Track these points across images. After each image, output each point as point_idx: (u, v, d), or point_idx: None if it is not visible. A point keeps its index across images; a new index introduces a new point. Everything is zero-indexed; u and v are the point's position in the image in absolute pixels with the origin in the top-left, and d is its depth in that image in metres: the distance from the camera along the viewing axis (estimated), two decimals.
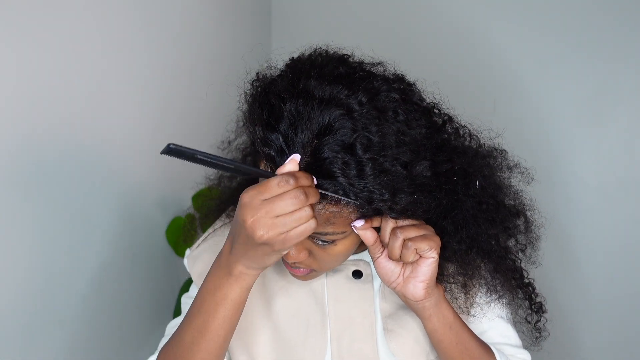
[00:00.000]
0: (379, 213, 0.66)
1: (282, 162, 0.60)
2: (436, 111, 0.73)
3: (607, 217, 1.40)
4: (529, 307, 0.84)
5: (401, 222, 0.69)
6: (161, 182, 1.29)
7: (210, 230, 0.89)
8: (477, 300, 0.82)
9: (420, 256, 0.69)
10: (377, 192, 0.61)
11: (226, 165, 0.57)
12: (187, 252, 0.89)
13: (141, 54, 1.18)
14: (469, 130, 0.77)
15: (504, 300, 0.84)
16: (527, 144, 1.44)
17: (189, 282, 1.30)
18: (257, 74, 0.72)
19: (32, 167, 0.96)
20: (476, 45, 1.47)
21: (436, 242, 0.69)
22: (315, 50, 0.71)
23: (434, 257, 0.69)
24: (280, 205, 0.56)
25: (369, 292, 0.81)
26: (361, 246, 0.82)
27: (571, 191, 1.43)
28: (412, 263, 0.70)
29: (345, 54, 0.71)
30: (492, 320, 0.82)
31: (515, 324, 0.85)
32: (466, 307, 0.81)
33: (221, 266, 0.65)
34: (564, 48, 1.38)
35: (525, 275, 0.83)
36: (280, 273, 0.84)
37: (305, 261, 0.71)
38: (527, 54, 1.42)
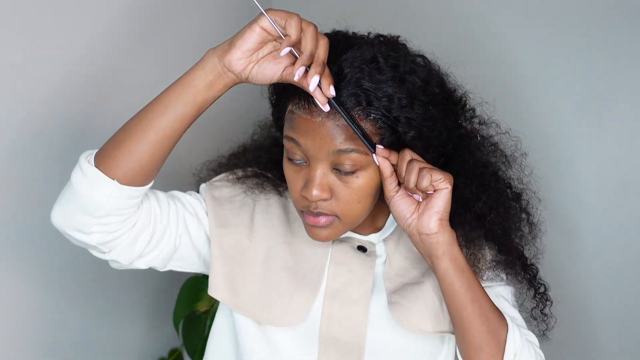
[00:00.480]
0: (396, 142, 0.72)
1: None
2: (436, 66, 0.82)
3: (608, 217, 1.40)
4: (533, 295, 0.86)
5: (417, 157, 0.74)
6: (161, 182, 1.29)
7: (233, 174, 0.91)
8: (484, 283, 0.83)
9: (434, 189, 0.73)
10: (397, 97, 0.69)
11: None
12: (203, 185, 0.90)
13: (141, 54, 1.18)
14: (465, 91, 0.85)
15: (510, 289, 0.86)
16: (527, 144, 1.43)
17: (188, 282, 1.29)
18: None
19: (31, 166, 0.96)
20: (476, 45, 1.47)
21: (449, 176, 0.73)
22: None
23: (447, 188, 0.72)
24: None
25: (371, 262, 0.84)
26: (369, 228, 0.86)
27: (571, 191, 1.43)
28: (426, 197, 0.74)
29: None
30: (498, 300, 0.83)
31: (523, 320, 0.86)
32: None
33: (203, 66, 0.72)
34: (565, 48, 1.38)
35: (529, 260, 0.86)
36: (289, 231, 0.86)
37: (327, 204, 0.74)
38: (527, 54, 1.42)
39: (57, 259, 1.03)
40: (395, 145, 0.73)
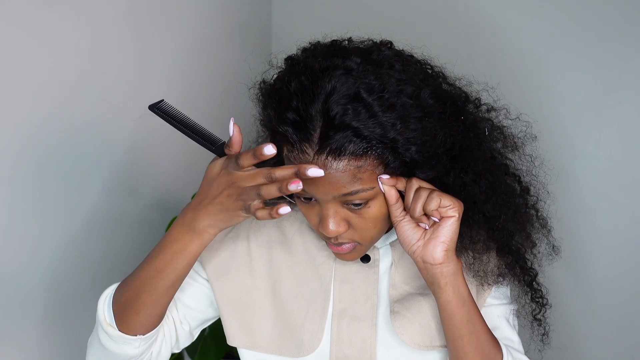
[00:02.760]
0: (402, 165, 0.70)
1: (300, 137, 0.66)
2: (428, 67, 0.77)
3: (608, 217, 1.40)
4: (530, 299, 0.84)
5: (425, 185, 0.72)
6: (161, 182, 1.29)
7: None
8: (488, 299, 0.82)
9: (442, 217, 0.71)
10: (389, 124, 0.66)
11: (193, 136, 0.67)
12: None
13: (141, 54, 1.18)
14: (467, 82, 0.81)
15: (512, 307, 0.84)
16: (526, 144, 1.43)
17: None
18: (262, 75, 0.77)
19: (31, 166, 0.96)
20: (477, 45, 1.47)
21: (459, 203, 0.71)
22: (309, 43, 0.77)
23: (455, 216, 0.70)
24: (244, 176, 0.65)
25: (375, 275, 0.82)
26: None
27: (571, 191, 1.43)
28: (433, 225, 0.72)
29: (333, 39, 0.76)
30: (500, 321, 0.82)
31: (519, 327, 0.85)
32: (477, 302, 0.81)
33: (185, 220, 0.71)
34: (565, 48, 1.38)
35: (530, 263, 0.84)
36: (288, 253, 0.85)
37: (346, 234, 0.73)
38: (527, 54, 1.42)
39: (57, 259, 1.03)
40: (402, 168, 0.70)
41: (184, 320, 0.85)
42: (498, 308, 0.83)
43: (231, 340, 0.84)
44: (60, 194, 1.02)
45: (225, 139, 0.84)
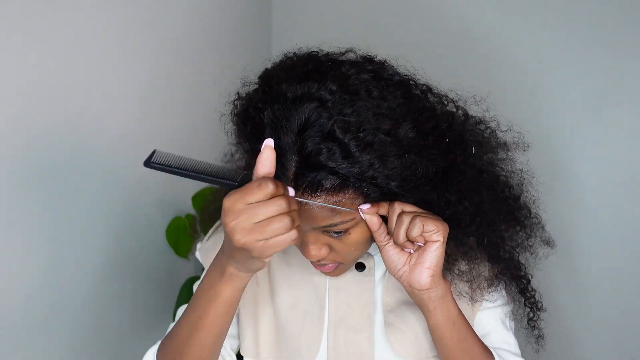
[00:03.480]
0: (382, 194, 0.67)
1: (276, 173, 0.61)
2: (412, 82, 0.72)
3: (608, 217, 1.40)
4: (523, 303, 0.83)
5: (408, 208, 0.69)
6: (161, 182, 1.29)
7: (219, 221, 0.90)
8: (483, 304, 0.81)
9: (426, 241, 0.69)
10: (367, 164, 0.62)
11: (206, 178, 0.60)
12: (199, 245, 0.90)
13: (141, 54, 1.18)
14: (452, 99, 0.77)
15: (507, 309, 0.84)
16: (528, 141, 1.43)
17: (189, 282, 1.29)
18: (237, 93, 0.74)
19: (30, 167, 0.96)
20: (477, 45, 1.47)
21: (444, 226, 0.68)
22: (285, 55, 0.73)
23: (439, 240, 0.68)
24: (262, 210, 0.57)
25: (370, 284, 0.81)
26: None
27: (572, 191, 1.43)
28: (418, 249, 0.70)
29: (313, 51, 0.73)
30: (496, 324, 0.82)
31: (515, 330, 0.85)
32: (471, 311, 0.81)
33: (216, 265, 0.66)
34: (565, 48, 1.38)
35: (523, 270, 0.82)
36: (283, 261, 0.84)
37: (328, 257, 0.72)
38: (528, 54, 1.42)
39: (57, 260, 1.03)
40: (383, 196, 0.68)
41: (230, 352, 0.83)
42: (494, 311, 0.82)
43: (245, 351, 0.83)
44: (59, 195, 1.02)
45: (226, 139, 0.83)
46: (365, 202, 0.67)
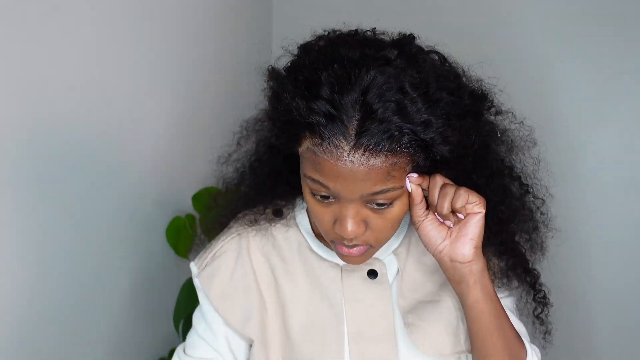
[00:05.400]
0: (431, 164, 0.67)
1: (334, 129, 0.62)
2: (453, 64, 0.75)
3: (608, 217, 1.40)
4: (532, 298, 0.83)
5: (449, 182, 0.70)
6: (161, 182, 1.29)
7: (218, 244, 0.84)
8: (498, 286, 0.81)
9: (467, 214, 0.69)
10: (432, 120, 0.63)
11: None
12: (194, 269, 0.84)
13: (141, 53, 1.18)
14: (480, 79, 0.79)
15: (514, 299, 0.83)
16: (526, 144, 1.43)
17: (188, 282, 1.29)
18: (270, 66, 0.73)
19: (29, 166, 0.96)
20: (476, 45, 1.47)
21: (483, 200, 0.69)
22: (323, 30, 0.73)
23: (481, 212, 0.69)
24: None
25: (386, 291, 0.79)
26: None
27: (571, 191, 1.43)
28: (457, 223, 0.70)
29: (355, 29, 0.73)
30: (508, 313, 0.80)
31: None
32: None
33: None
34: (565, 48, 1.38)
35: (531, 264, 0.83)
36: (291, 282, 0.81)
37: (362, 236, 0.70)
38: (527, 54, 1.42)
39: (57, 260, 1.03)
40: (429, 167, 0.68)
41: None
42: (504, 301, 0.81)
43: None
44: (59, 194, 1.02)
45: (226, 139, 0.82)
46: (413, 172, 0.67)
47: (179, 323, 1.27)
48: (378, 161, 0.63)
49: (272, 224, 0.83)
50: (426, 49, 0.70)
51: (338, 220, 0.69)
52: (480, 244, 0.70)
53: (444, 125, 0.64)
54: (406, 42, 0.69)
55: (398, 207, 0.69)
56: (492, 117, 0.78)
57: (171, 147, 1.30)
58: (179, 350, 0.85)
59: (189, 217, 1.32)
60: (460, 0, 1.48)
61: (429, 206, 0.72)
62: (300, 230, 0.83)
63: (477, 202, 0.68)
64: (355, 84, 0.61)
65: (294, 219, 0.84)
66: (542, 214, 0.83)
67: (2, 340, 0.94)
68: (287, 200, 0.86)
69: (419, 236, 0.72)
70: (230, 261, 0.82)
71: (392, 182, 0.65)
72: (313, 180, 0.67)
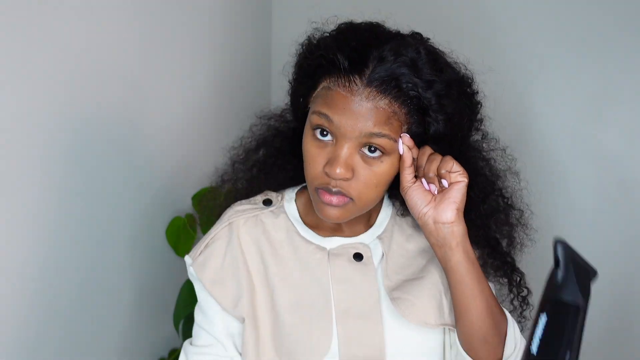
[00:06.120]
0: (423, 134, 0.76)
1: (353, 67, 0.73)
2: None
3: (607, 217, 1.40)
4: (514, 296, 0.89)
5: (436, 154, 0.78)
6: (161, 181, 1.29)
7: (211, 234, 0.88)
8: None
9: (450, 182, 0.75)
10: (436, 83, 0.73)
11: None
12: (189, 260, 0.88)
13: (142, 54, 1.18)
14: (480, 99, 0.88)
15: (493, 285, 0.88)
16: (527, 144, 1.43)
17: (188, 282, 1.29)
18: (307, 36, 0.83)
19: (29, 166, 0.96)
20: (476, 46, 1.47)
21: (466, 172, 0.76)
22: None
23: (464, 181, 0.75)
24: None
25: (372, 272, 0.84)
26: (362, 228, 0.87)
27: (571, 191, 1.43)
28: (441, 191, 0.77)
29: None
30: None
31: None
32: None
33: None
34: (565, 48, 1.38)
35: (513, 261, 0.89)
36: (279, 265, 0.84)
37: (347, 183, 0.75)
38: (527, 54, 1.42)
39: (57, 260, 1.03)
40: (419, 139, 0.76)
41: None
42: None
43: (246, 356, 0.83)
44: (59, 195, 1.02)
45: (236, 131, 0.94)
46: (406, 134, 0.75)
47: (179, 323, 1.28)
48: (382, 103, 0.72)
49: (262, 212, 0.88)
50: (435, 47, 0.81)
51: (329, 161, 0.75)
52: (462, 209, 0.76)
53: (443, 91, 0.73)
54: (423, 36, 0.81)
55: (386, 165, 0.76)
56: (479, 139, 0.87)
57: (171, 147, 1.31)
58: (185, 344, 0.89)
59: (189, 217, 1.32)
60: (460, 1, 1.48)
61: (417, 176, 0.79)
62: (288, 217, 0.88)
63: (460, 172, 0.75)
64: (380, 45, 0.73)
65: (283, 207, 0.89)
66: (518, 219, 0.89)
67: (2, 340, 0.94)
68: (277, 191, 0.92)
69: (406, 201, 0.79)
70: (222, 248, 0.86)
71: (389, 129, 0.73)
72: (320, 114, 0.75)
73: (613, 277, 1.42)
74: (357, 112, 0.72)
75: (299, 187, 0.92)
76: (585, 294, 0.58)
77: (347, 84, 0.72)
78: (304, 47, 0.81)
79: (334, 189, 0.75)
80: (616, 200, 1.39)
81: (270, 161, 0.93)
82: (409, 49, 0.73)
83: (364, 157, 0.75)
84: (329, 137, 0.75)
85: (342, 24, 0.80)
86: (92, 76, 1.05)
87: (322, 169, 0.75)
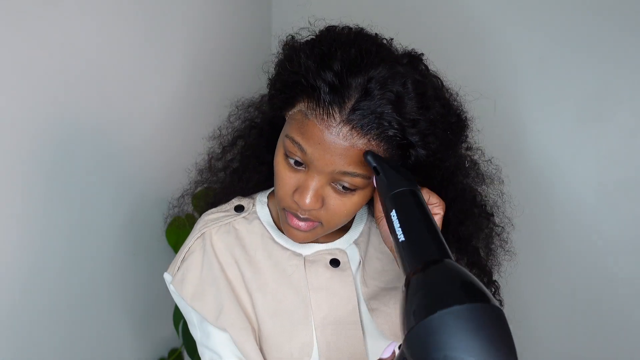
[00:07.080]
0: (404, 162, 0.71)
1: (333, 99, 0.65)
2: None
3: (607, 217, 1.40)
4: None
5: None
6: (161, 182, 1.29)
7: (185, 248, 0.85)
8: None
9: None
10: (420, 122, 0.67)
11: None
12: (168, 277, 0.85)
13: (141, 52, 1.18)
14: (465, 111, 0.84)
15: None
16: (527, 144, 1.44)
17: None
18: (290, 35, 0.77)
19: (31, 166, 0.96)
20: (476, 46, 1.47)
21: (443, 202, 0.73)
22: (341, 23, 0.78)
23: (440, 214, 0.72)
24: None
25: (349, 278, 0.83)
26: (338, 234, 0.86)
27: (571, 191, 1.43)
28: None
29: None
30: None
31: None
32: None
33: None
34: (564, 48, 1.38)
35: (490, 271, 0.88)
36: (256, 272, 0.82)
37: (316, 212, 0.73)
38: (527, 54, 1.42)
39: (57, 260, 1.03)
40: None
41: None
42: None
43: None
44: (58, 195, 1.02)
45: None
46: None
47: (179, 323, 1.28)
48: (360, 142, 0.67)
49: (235, 219, 0.86)
50: (430, 71, 0.76)
51: (299, 190, 0.72)
52: None
53: (428, 130, 0.68)
54: (416, 56, 0.74)
55: (358, 197, 0.73)
56: (464, 152, 0.84)
57: (171, 147, 1.31)
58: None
59: (189, 217, 1.32)
60: (460, 0, 1.48)
61: None
62: (262, 222, 0.86)
63: (437, 204, 0.71)
64: (365, 69, 0.66)
65: (255, 213, 0.87)
66: (497, 234, 0.88)
67: (2, 340, 0.94)
68: (250, 195, 0.91)
69: (380, 230, 0.76)
70: (197, 260, 0.84)
71: (365, 169, 0.69)
72: (294, 141, 0.70)
73: (613, 277, 1.42)
74: (332, 149, 0.67)
75: (270, 190, 0.90)
76: (409, 177, 0.66)
77: (324, 117, 0.66)
78: (285, 53, 0.74)
79: (302, 216, 0.73)
80: (616, 200, 1.39)
81: (245, 162, 0.90)
82: (396, 81, 0.66)
83: (335, 189, 0.72)
84: (301, 166, 0.72)
85: (327, 33, 0.73)
86: (91, 75, 1.05)
87: (291, 194, 0.73)
